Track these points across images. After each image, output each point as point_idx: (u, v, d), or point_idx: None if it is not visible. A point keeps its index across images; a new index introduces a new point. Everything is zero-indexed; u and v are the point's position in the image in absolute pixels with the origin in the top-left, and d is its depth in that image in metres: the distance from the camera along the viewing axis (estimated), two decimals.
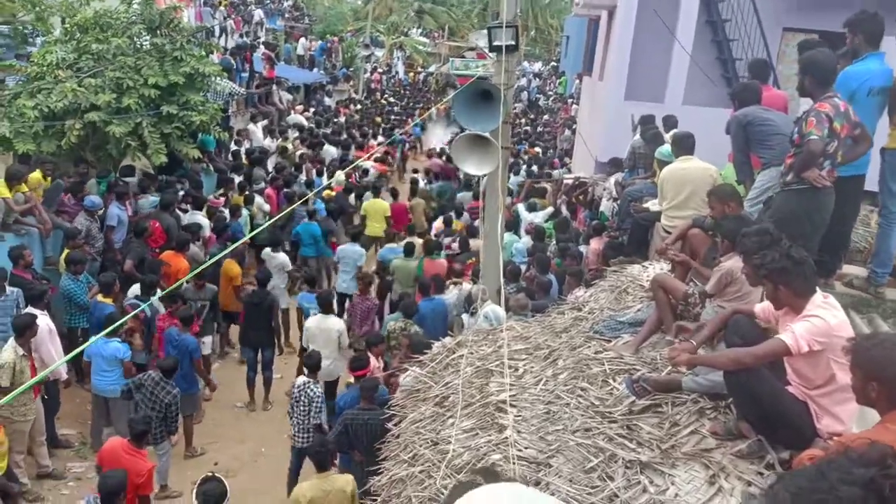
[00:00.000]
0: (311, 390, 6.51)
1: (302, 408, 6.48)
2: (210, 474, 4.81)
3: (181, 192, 10.59)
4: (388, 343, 7.41)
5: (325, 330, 7.65)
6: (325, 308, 7.82)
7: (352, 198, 13.54)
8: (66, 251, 8.09)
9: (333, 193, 12.57)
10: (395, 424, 4.85)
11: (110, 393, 7.06)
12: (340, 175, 13.55)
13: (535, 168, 16.31)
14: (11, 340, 6.33)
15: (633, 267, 6.24)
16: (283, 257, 9.82)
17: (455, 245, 10.34)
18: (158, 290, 7.66)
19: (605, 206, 9.85)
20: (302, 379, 6.60)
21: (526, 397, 4.28)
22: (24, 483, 6.48)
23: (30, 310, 6.72)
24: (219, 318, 9.26)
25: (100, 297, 7.55)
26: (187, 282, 7.91)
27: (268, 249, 9.75)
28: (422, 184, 15.24)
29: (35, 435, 6.61)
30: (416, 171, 16.64)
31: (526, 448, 3.73)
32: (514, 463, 3.53)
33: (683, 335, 4.01)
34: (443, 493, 3.66)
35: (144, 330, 7.65)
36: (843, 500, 1.24)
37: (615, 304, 5.49)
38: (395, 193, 13.67)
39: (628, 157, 9.16)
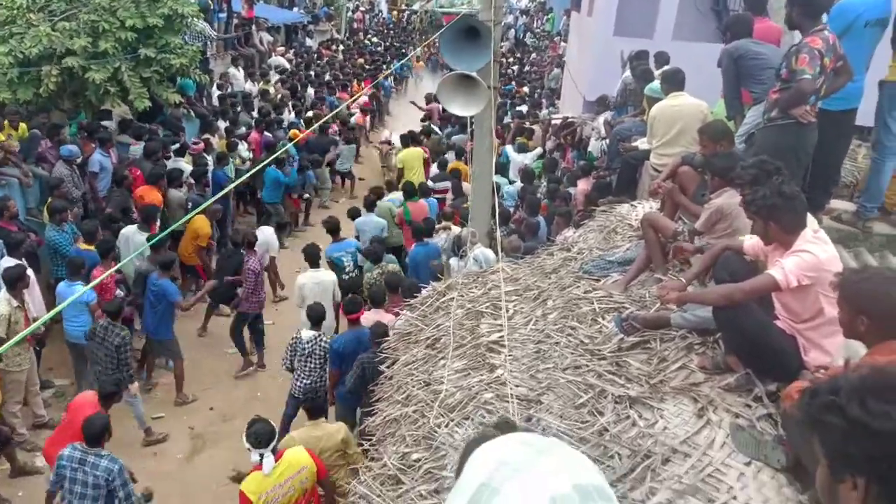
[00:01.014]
0: (326, 343, 6.47)
1: (316, 360, 6.46)
2: (257, 416, 4.83)
3: (177, 145, 10.37)
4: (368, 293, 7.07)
5: (320, 283, 7.53)
6: (314, 262, 7.69)
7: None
8: (49, 201, 7.96)
9: (300, 133, 12.26)
10: (388, 366, 4.91)
11: (79, 338, 7.00)
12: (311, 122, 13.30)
13: (523, 109, 16.09)
14: (3, 292, 6.29)
15: (621, 206, 6.23)
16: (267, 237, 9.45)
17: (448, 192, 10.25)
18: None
19: (594, 145, 9.77)
20: (310, 333, 6.50)
21: (516, 337, 4.32)
22: (21, 433, 6.56)
23: (6, 259, 6.64)
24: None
25: (82, 245, 7.46)
26: (173, 235, 7.81)
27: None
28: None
29: (29, 385, 6.64)
30: (426, 118, 16.17)
31: (517, 386, 3.79)
32: (509, 401, 3.58)
33: (683, 255, 4.05)
34: (436, 432, 3.73)
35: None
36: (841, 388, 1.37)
37: (604, 243, 5.50)
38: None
39: (619, 93, 9.02)
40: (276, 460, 4.51)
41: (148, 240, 7.53)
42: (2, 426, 6.23)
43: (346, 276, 8.15)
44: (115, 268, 5.83)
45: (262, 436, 4.49)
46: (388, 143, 14.72)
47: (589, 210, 6.80)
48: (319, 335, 6.52)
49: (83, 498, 4.72)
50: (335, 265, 8.32)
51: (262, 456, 4.45)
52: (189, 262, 9.07)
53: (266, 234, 9.41)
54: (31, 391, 6.74)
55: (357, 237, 8.98)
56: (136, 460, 6.38)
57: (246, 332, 8.43)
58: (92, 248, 7.38)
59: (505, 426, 1.62)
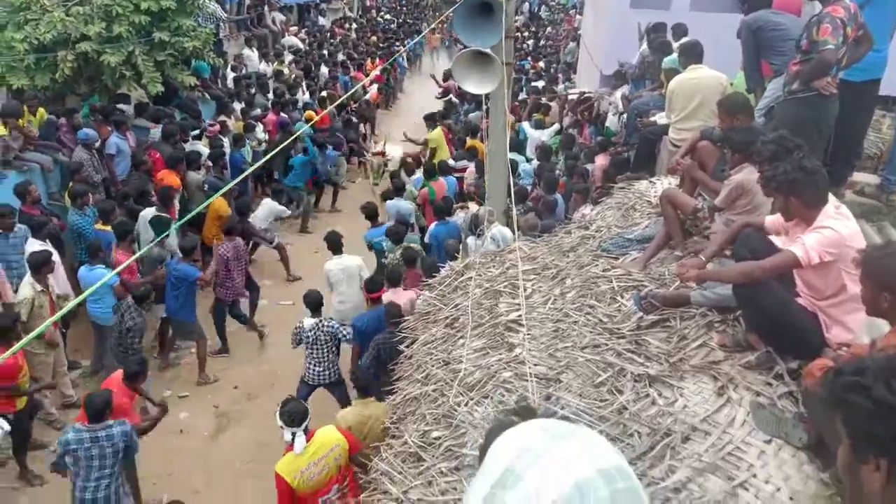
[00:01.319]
0: (329, 327, 6.50)
1: (322, 346, 6.49)
2: (290, 396, 4.91)
3: (196, 131, 10.45)
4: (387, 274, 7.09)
5: (347, 268, 7.52)
6: (336, 249, 7.68)
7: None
8: (70, 185, 8.05)
9: (316, 116, 12.24)
10: (408, 346, 4.95)
11: (103, 320, 7.10)
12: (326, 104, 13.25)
13: (539, 84, 15.92)
14: (28, 276, 6.40)
15: (640, 183, 6.17)
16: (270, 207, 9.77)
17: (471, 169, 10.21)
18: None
19: (611, 121, 9.66)
20: (311, 321, 6.50)
21: (535, 316, 4.33)
22: (51, 412, 6.72)
23: (31, 242, 6.76)
24: None
25: (99, 226, 7.55)
26: (187, 226, 7.86)
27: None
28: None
29: (57, 366, 6.78)
30: (444, 93, 15.95)
31: (536, 365, 3.80)
32: (528, 380, 3.60)
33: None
34: (456, 410, 3.76)
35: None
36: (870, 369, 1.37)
37: (622, 221, 5.47)
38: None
39: (637, 66, 8.88)
40: (308, 440, 4.57)
41: (155, 231, 7.60)
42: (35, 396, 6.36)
43: (385, 260, 8.18)
44: (139, 255, 5.90)
45: (295, 415, 4.55)
46: (383, 154, 13.33)
47: (607, 187, 6.75)
48: (320, 321, 6.54)
49: (102, 468, 4.87)
50: (375, 250, 8.34)
51: (294, 435, 4.51)
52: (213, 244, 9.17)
53: (267, 204, 9.70)
54: (59, 372, 6.87)
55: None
56: (164, 437, 6.51)
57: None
58: (108, 228, 7.48)
59: (525, 412, 1.64)
